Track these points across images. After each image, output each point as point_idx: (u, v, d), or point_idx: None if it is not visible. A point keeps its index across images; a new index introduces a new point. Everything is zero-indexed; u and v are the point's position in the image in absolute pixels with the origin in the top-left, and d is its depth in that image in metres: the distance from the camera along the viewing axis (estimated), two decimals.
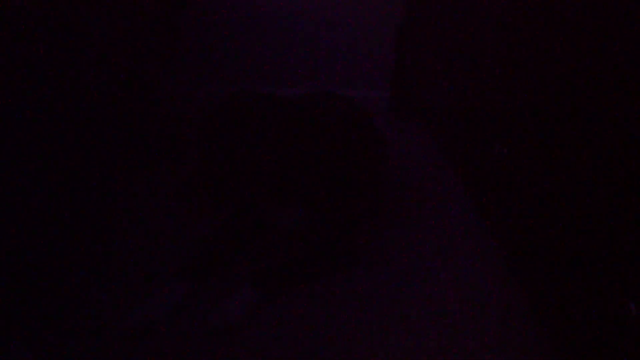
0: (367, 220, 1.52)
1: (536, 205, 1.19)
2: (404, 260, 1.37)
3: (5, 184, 1.11)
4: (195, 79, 2.22)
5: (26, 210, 1.18)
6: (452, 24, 1.77)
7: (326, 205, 1.30)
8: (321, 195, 1.29)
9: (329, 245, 1.33)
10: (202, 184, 1.19)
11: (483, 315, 1.20)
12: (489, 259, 1.38)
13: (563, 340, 1.08)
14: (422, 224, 1.52)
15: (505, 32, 1.34)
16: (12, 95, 1.10)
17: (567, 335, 1.06)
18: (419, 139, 2.05)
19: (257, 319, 1.18)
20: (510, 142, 1.32)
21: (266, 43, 2.18)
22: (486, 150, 1.47)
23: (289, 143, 1.22)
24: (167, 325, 1.16)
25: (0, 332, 1.09)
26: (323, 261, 1.31)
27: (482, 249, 1.42)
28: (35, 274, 1.22)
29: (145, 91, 1.89)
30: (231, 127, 1.18)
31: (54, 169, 1.30)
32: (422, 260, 1.37)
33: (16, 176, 1.14)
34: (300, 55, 2.21)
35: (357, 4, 2.14)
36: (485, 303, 1.23)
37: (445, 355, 1.10)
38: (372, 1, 2.14)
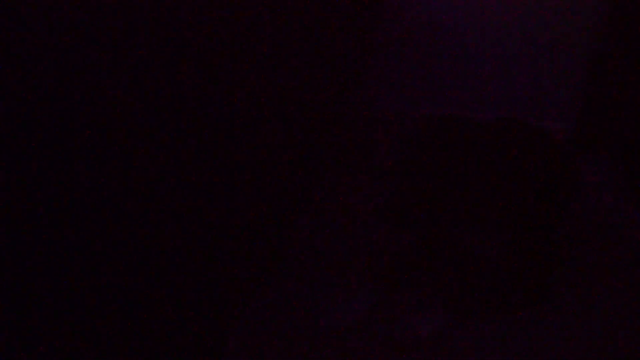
0: (559, 259, 1.43)
1: None
2: (593, 308, 1.28)
3: (200, 183, 1.20)
4: (384, 98, 2.28)
5: (226, 212, 1.27)
6: None
7: (522, 237, 1.26)
8: (518, 227, 1.25)
9: (521, 279, 1.28)
10: (401, 202, 1.23)
11: None
12: None
13: None
14: (616, 271, 1.39)
15: None
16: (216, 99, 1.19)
17: None
18: (609, 175, 1.89)
19: (442, 340, 1.16)
20: None
21: (451, 67, 2.18)
22: None
23: (491, 172, 1.22)
24: (355, 330, 1.18)
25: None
26: (514, 294, 1.26)
27: None
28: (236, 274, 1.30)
29: (343, 105, 1.97)
30: (433, 151, 1.22)
31: (255, 172, 1.38)
32: (615, 312, 1.26)
33: (213, 178, 1.23)
34: (483, 80, 2.18)
35: (545, 34, 2.07)
36: None
37: None
38: (560, 32, 2.05)
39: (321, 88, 1.73)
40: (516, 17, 2.10)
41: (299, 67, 1.56)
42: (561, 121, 2.19)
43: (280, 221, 1.50)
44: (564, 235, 1.51)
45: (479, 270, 1.35)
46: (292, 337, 1.17)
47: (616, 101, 2.01)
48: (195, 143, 1.07)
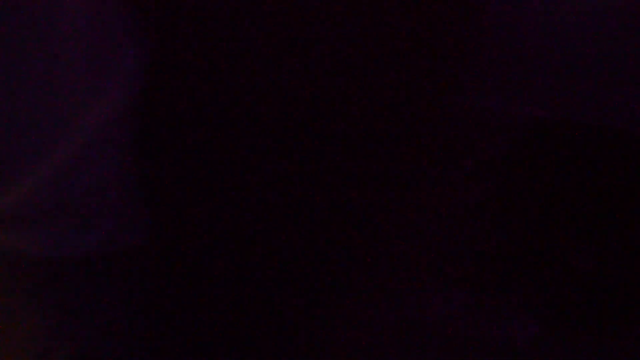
0: None
1: None
2: None
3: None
4: (493, 94, 2.26)
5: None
6: None
7: (622, 251, 1.26)
8: (618, 240, 1.25)
9: (617, 295, 1.27)
10: (495, 203, 1.23)
11: None
12: None
13: None
14: None
15: None
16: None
17: None
18: None
19: (533, 347, 1.18)
20: None
21: (542, 66, 2.14)
22: None
23: (594, 180, 1.22)
24: (443, 331, 1.20)
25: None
26: (609, 310, 1.26)
27: None
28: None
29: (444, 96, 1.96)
30: (532, 155, 1.22)
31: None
32: None
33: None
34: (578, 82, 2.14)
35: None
36: None
37: None
38: None
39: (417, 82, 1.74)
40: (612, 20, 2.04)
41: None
42: None
43: (369, 216, 1.53)
44: None
45: (574, 281, 1.35)
46: (381, 332, 1.19)
47: None
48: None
